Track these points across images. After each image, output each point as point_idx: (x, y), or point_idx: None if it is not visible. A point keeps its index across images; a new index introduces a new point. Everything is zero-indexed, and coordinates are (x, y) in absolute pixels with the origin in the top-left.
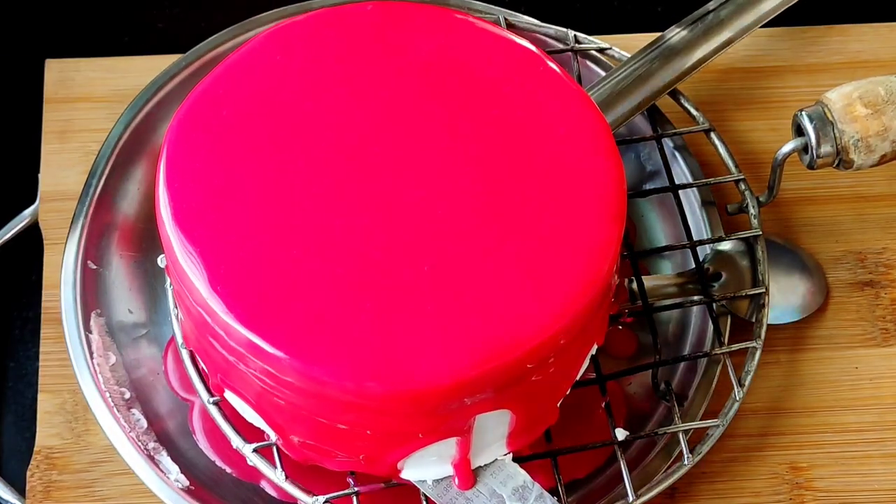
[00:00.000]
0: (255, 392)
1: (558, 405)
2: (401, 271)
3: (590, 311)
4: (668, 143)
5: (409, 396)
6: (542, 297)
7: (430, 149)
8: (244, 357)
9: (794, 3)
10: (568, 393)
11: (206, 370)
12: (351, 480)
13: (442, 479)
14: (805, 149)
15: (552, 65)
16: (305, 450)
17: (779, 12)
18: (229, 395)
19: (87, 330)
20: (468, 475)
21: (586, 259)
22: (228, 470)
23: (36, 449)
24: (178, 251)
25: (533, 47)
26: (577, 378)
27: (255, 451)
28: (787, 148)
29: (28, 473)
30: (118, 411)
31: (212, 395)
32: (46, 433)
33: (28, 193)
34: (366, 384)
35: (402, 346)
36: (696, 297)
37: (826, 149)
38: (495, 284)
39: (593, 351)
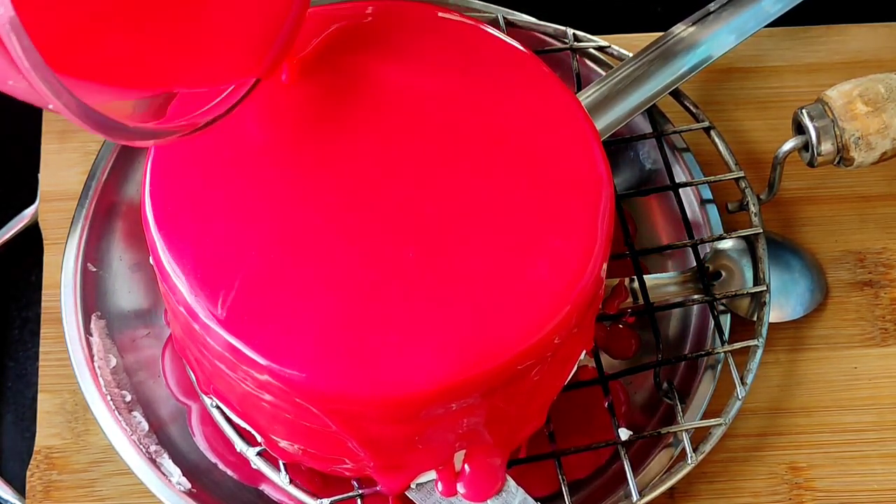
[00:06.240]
0: (237, 395)
1: (547, 409)
2: (383, 275)
3: (576, 316)
4: (667, 142)
5: (387, 402)
6: (527, 305)
7: (416, 150)
8: (224, 359)
9: (796, 3)
10: (570, 394)
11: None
12: (355, 483)
13: (425, 484)
14: (805, 147)
15: (542, 67)
16: (293, 453)
17: (781, 13)
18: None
19: (88, 333)
20: (452, 480)
21: (571, 266)
22: (230, 473)
23: (36, 449)
24: (161, 253)
25: (522, 47)
26: (573, 381)
27: (258, 454)
28: (787, 146)
29: (28, 473)
30: (119, 414)
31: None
32: (46, 433)
33: (28, 193)
34: (342, 389)
35: (382, 353)
36: (697, 296)
37: (826, 146)
38: (479, 292)
39: (582, 356)
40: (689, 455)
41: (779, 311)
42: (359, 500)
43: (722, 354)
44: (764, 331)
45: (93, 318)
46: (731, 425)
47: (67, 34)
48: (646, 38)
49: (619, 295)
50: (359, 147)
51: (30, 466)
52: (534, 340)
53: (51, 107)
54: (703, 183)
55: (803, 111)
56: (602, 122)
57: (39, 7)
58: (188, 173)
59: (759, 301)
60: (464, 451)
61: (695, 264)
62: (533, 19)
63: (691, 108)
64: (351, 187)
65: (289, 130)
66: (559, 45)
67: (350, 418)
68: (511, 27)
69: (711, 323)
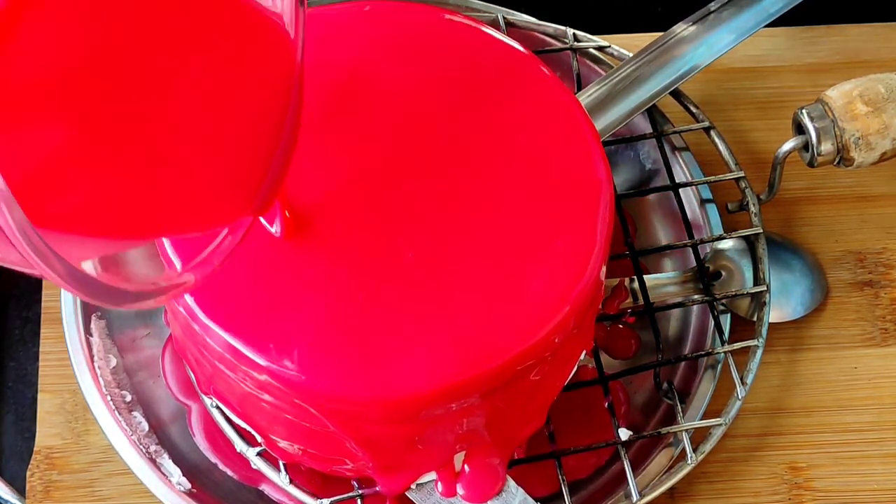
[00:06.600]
0: (237, 395)
1: (547, 409)
2: (382, 276)
3: (576, 317)
4: (667, 142)
5: (387, 403)
6: (526, 306)
7: (414, 151)
8: (224, 360)
9: (797, 3)
10: (570, 394)
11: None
12: (355, 483)
13: (425, 484)
14: (805, 147)
15: (542, 68)
16: (293, 453)
17: (781, 13)
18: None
19: (88, 333)
20: (452, 481)
21: (571, 267)
22: (230, 473)
23: (36, 449)
24: (160, 253)
25: (521, 48)
26: (573, 381)
27: (258, 454)
28: (787, 146)
29: (28, 473)
30: (119, 414)
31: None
32: (46, 433)
33: None
34: (342, 390)
35: (382, 353)
36: (697, 296)
37: (827, 147)
38: (479, 292)
39: (582, 357)
40: (689, 455)
41: (779, 311)
42: (359, 501)
43: (722, 354)
44: (764, 331)
45: (93, 318)
46: (731, 425)
47: (55, 190)
48: (646, 38)
49: (619, 295)
50: (356, 147)
51: (30, 466)
52: (533, 341)
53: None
54: (703, 183)
55: (803, 111)
56: (602, 122)
57: (26, 171)
58: None
59: (759, 301)
60: (464, 452)
61: (695, 264)
62: (533, 19)
63: (691, 108)
64: (349, 187)
65: None
66: (559, 45)
67: (349, 419)
68: (511, 27)
69: (711, 323)
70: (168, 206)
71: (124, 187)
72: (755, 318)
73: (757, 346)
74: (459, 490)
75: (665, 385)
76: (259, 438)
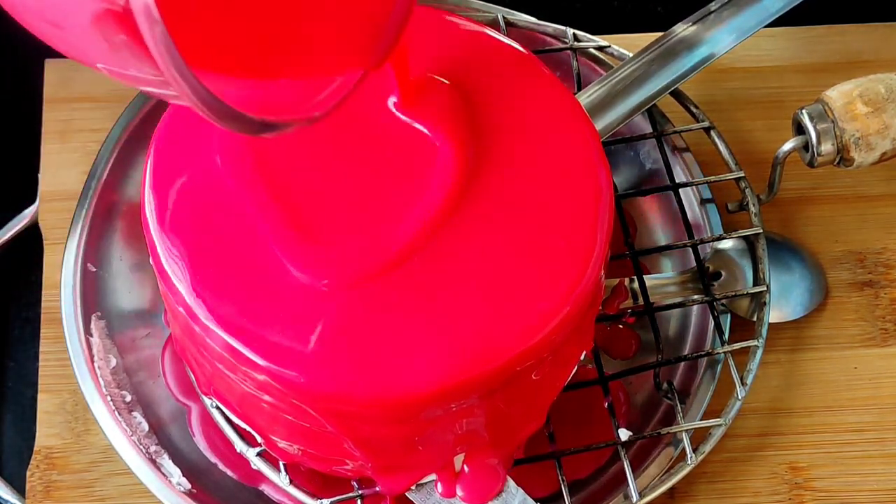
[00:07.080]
0: (237, 396)
1: (547, 410)
2: (381, 276)
3: (576, 318)
4: (668, 142)
5: (386, 403)
6: (526, 306)
7: (415, 151)
8: (223, 360)
9: (797, 3)
10: (570, 394)
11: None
12: (355, 484)
13: (425, 484)
14: (805, 147)
15: (542, 68)
16: (292, 454)
17: (781, 13)
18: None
19: (88, 333)
20: (452, 482)
21: (571, 268)
22: (230, 473)
23: (36, 449)
24: (161, 254)
25: (521, 48)
26: (573, 381)
27: (258, 454)
28: (787, 146)
29: (28, 473)
30: (119, 415)
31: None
32: (46, 433)
33: (28, 193)
34: (342, 390)
35: (381, 354)
36: (697, 296)
37: (826, 147)
38: (478, 292)
39: (582, 357)
40: (688, 455)
41: (779, 311)
42: (359, 501)
43: (722, 354)
44: (764, 331)
45: (93, 318)
46: (731, 425)
47: (189, 22)
48: (646, 38)
49: (619, 295)
50: (355, 147)
51: (30, 466)
52: (533, 342)
53: (164, 91)
54: (703, 183)
55: (803, 111)
56: (602, 122)
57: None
58: (188, 174)
59: (759, 301)
60: (463, 454)
61: (695, 264)
62: (533, 19)
63: (691, 108)
64: (348, 188)
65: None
66: (559, 45)
67: (349, 419)
68: (511, 27)
69: (711, 323)
70: (290, 48)
71: (253, 28)
72: (755, 319)
73: (757, 347)
74: (459, 491)
75: (665, 385)
76: (259, 439)
